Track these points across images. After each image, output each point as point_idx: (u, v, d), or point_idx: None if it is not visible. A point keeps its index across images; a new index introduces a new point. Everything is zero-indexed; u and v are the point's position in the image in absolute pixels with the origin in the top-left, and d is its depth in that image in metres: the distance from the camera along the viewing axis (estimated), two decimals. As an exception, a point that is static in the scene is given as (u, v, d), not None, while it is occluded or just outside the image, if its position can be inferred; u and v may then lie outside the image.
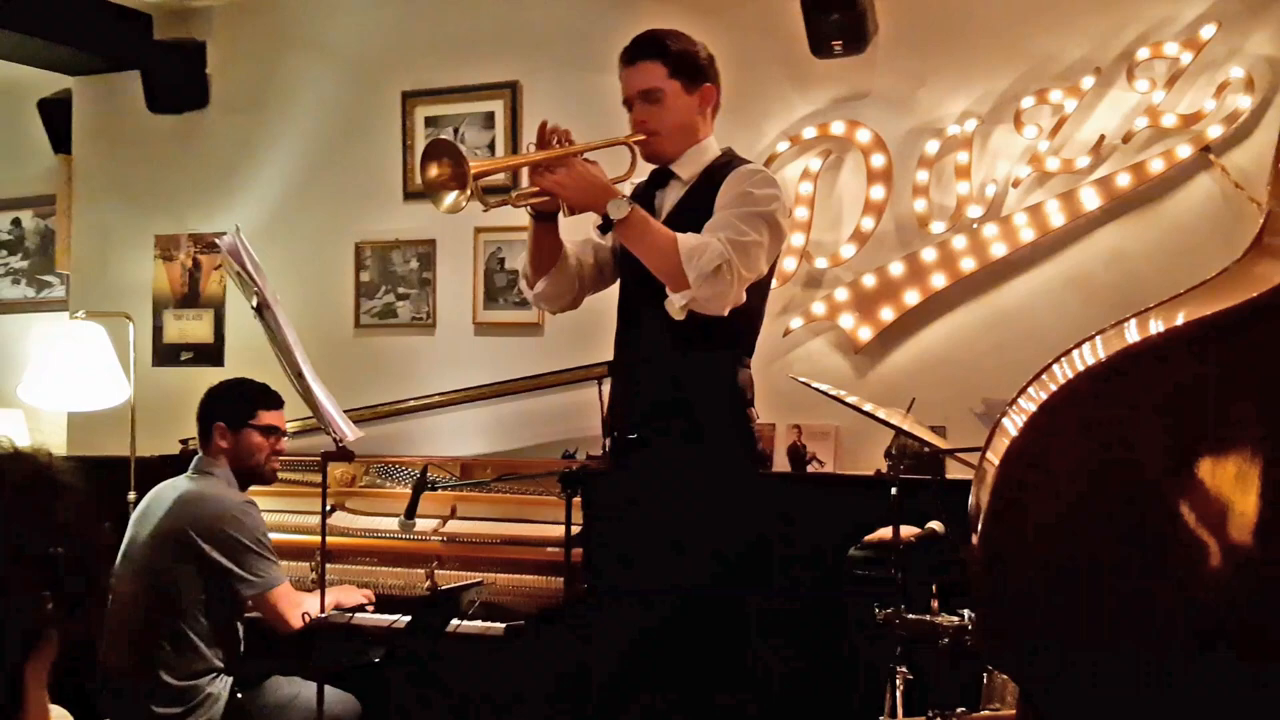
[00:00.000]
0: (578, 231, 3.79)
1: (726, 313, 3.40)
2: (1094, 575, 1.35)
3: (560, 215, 3.61)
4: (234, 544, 4.05)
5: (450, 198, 3.38)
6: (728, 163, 3.62)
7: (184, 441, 5.58)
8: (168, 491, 4.24)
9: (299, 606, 4.10)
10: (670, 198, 3.65)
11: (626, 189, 3.63)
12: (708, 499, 3.43)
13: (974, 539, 1.41)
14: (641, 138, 3.60)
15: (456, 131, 5.73)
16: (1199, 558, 1.32)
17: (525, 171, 3.67)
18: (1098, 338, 1.43)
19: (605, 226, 3.53)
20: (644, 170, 3.72)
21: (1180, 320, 1.40)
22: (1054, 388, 1.40)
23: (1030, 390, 1.43)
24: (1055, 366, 1.44)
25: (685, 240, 3.38)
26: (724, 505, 3.46)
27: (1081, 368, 1.40)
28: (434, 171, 3.39)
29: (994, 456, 1.43)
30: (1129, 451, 1.36)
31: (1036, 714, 1.44)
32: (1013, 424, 1.43)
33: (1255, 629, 1.30)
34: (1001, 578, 1.40)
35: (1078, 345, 1.44)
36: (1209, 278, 1.50)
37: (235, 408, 4.33)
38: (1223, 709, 1.31)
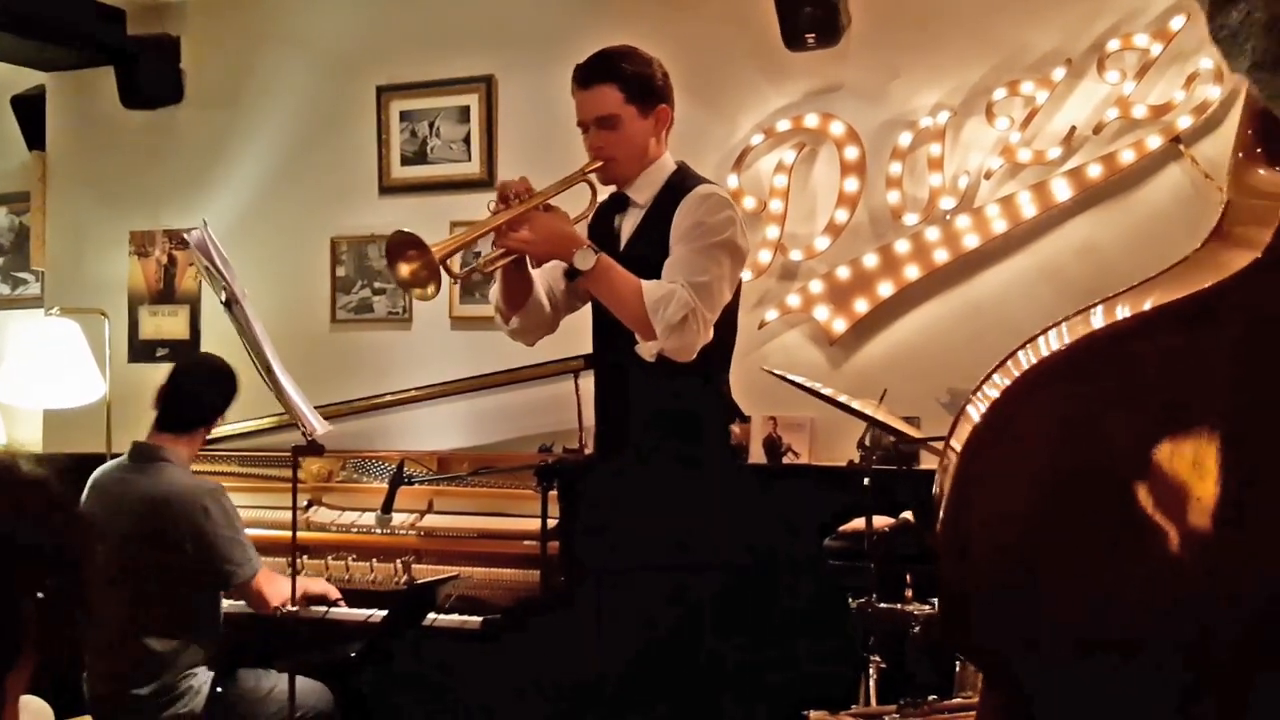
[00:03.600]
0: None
1: (695, 356, 3.42)
2: (1056, 561, 1.35)
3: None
4: (214, 537, 4.01)
5: (424, 287, 3.40)
6: (681, 181, 3.62)
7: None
8: (125, 488, 4.11)
9: (274, 585, 4.12)
10: (629, 223, 3.67)
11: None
12: (687, 503, 3.47)
13: (937, 526, 1.41)
14: (599, 165, 3.60)
15: (432, 125, 5.73)
16: (1160, 543, 1.33)
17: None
18: (1063, 324, 1.44)
19: (571, 274, 3.54)
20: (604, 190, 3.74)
21: (1145, 306, 1.41)
22: (1017, 374, 1.40)
23: (994, 377, 1.43)
24: (1020, 353, 1.44)
25: (650, 290, 3.40)
26: (703, 509, 3.49)
27: (1045, 353, 1.41)
28: (405, 270, 3.42)
29: (956, 444, 1.43)
30: (1091, 437, 1.36)
31: (999, 701, 1.44)
32: (976, 411, 1.43)
33: (1219, 614, 1.31)
34: (963, 564, 1.40)
35: (1043, 331, 1.44)
36: (1168, 267, 1.51)
37: (230, 401, 4.27)
38: (1188, 693, 1.32)
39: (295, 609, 3.96)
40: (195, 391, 4.24)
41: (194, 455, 4.29)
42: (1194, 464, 1.32)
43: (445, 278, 3.42)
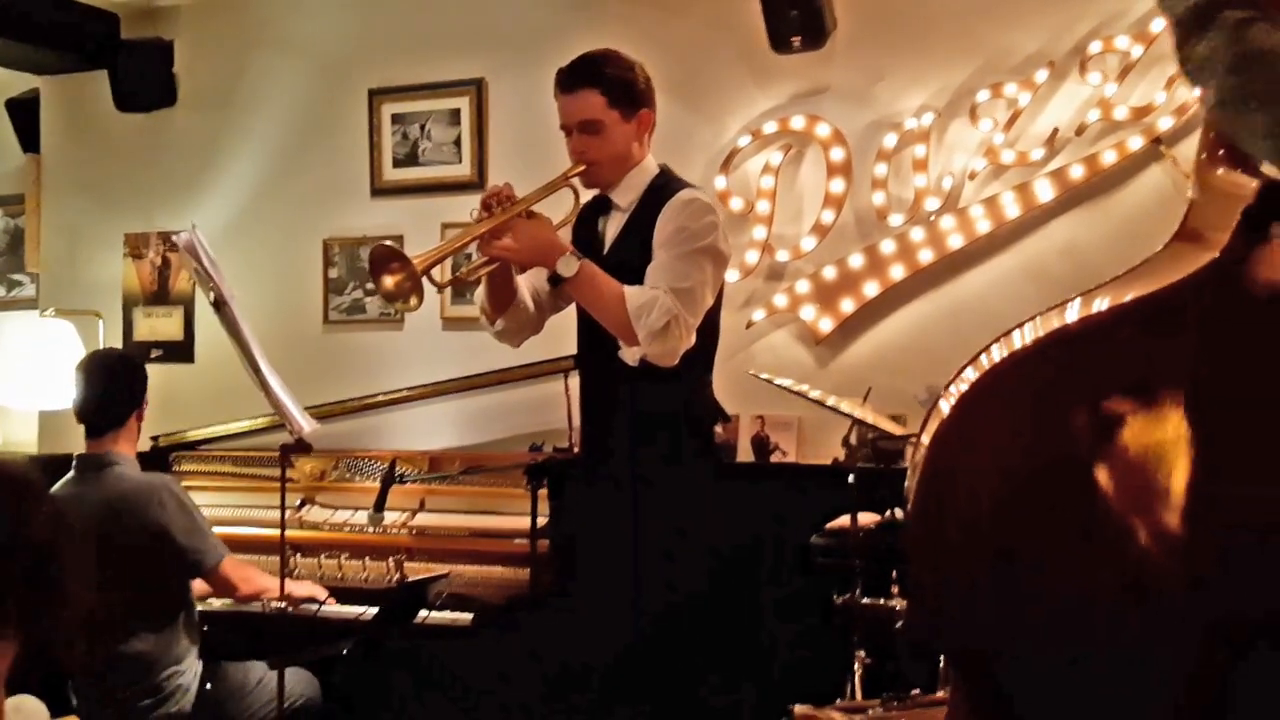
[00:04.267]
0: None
1: (678, 361, 3.47)
2: (1025, 556, 1.35)
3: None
4: (173, 529, 3.99)
5: (407, 300, 3.44)
6: (664, 185, 3.64)
7: (154, 439, 5.62)
8: (81, 501, 3.99)
9: (243, 571, 4.15)
10: (612, 227, 3.69)
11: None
12: (669, 503, 3.51)
13: (907, 520, 1.43)
14: (581, 169, 3.62)
15: (423, 128, 5.77)
16: (1128, 539, 1.34)
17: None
18: (1036, 319, 1.46)
19: (554, 281, 3.56)
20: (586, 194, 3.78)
21: (1114, 303, 1.43)
22: (987, 368, 1.42)
23: (966, 372, 1.45)
24: (994, 347, 1.45)
25: (633, 296, 3.43)
26: (685, 509, 3.53)
27: (1015, 349, 1.42)
28: (388, 282, 3.44)
29: (927, 439, 1.45)
30: (1058, 432, 1.37)
31: (969, 695, 1.46)
32: (947, 405, 1.44)
33: (1192, 609, 1.32)
34: (931, 558, 1.41)
35: (1016, 327, 1.46)
36: (1133, 267, 1.53)
37: (145, 384, 4.23)
38: (1153, 685, 1.33)
39: (285, 605, 3.98)
40: (109, 386, 4.18)
41: (135, 446, 4.24)
42: (1159, 458, 1.34)
43: (429, 288, 3.47)
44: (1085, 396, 1.36)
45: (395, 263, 3.43)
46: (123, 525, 3.99)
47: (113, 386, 4.18)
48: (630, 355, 3.44)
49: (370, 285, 5.81)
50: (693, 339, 3.48)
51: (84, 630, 3.89)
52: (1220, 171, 1.49)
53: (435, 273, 3.58)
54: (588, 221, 3.74)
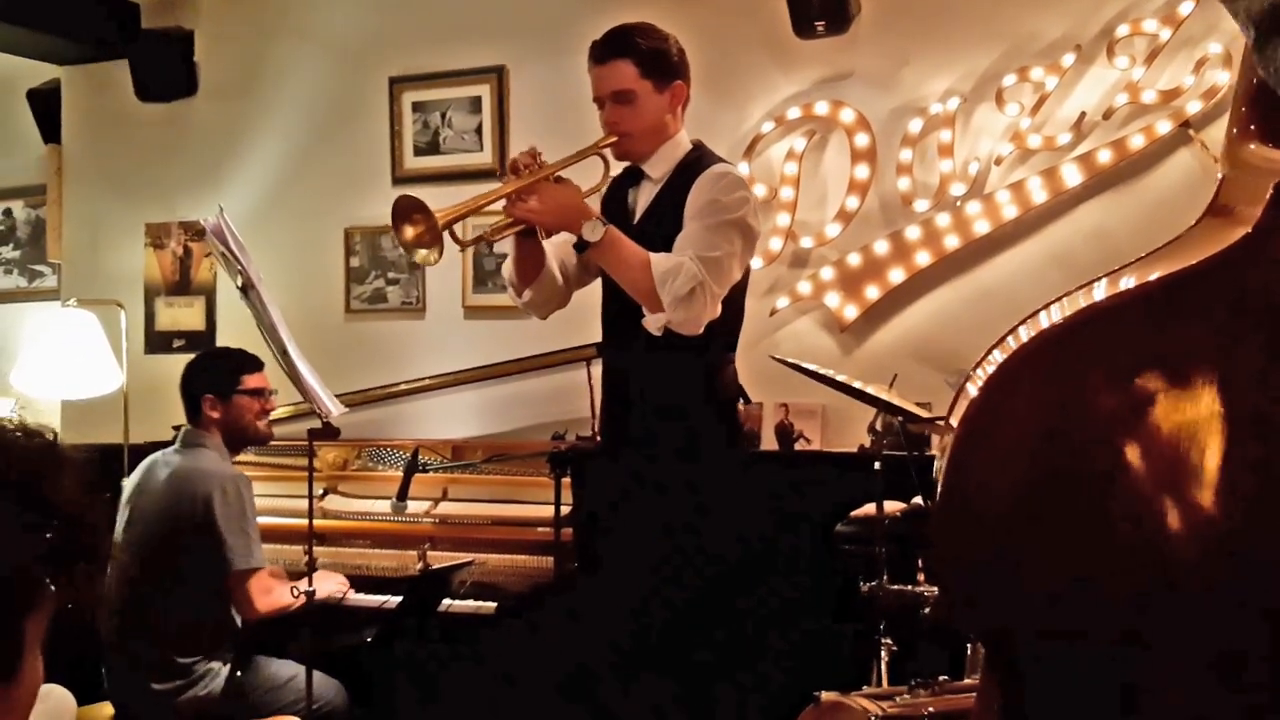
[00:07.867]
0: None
1: (702, 331, 3.44)
2: (1054, 537, 1.34)
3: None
4: (221, 517, 4.05)
5: (424, 252, 3.45)
6: (698, 159, 3.62)
7: (176, 428, 5.59)
8: (159, 469, 4.25)
9: (269, 595, 4.13)
10: (643, 198, 3.67)
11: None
12: (695, 494, 3.48)
13: (936, 502, 1.42)
14: (613, 140, 3.60)
15: (444, 116, 5.76)
16: (1157, 522, 1.32)
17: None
18: (1063, 299, 1.44)
19: (580, 247, 3.54)
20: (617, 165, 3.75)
21: (1142, 280, 1.41)
22: (1015, 348, 1.40)
23: (994, 353, 1.44)
24: (1021, 328, 1.44)
25: (659, 262, 3.41)
26: (712, 499, 3.50)
27: (1043, 328, 1.41)
28: (409, 233, 3.45)
29: (955, 420, 1.43)
30: (1085, 411, 1.36)
31: (999, 679, 1.44)
32: (974, 387, 1.43)
33: (1206, 590, 1.31)
34: (960, 539, 1.40)
35: (1044, 307, 1.45)
36: (1164, 243, 1.52)
37: (220, 377, 4.35)
38: (1179, 670, 1.32)
39: (311, 589, 3.97)
40: (184, 382, 4.41)
41: (222, 441, 4.34)
42: (1190, 437, 1.32)
43: (451, 244, 3.47)
44: (1115, 375, 1.35)
45: (418, 213, 3.43)
46: (180, 496, 4.13)
47: (187, 384, 4.41)
48: (654, 323, 3.42)
49: (392, 274, 5.83)
50: (718, 310, 3.45)
51: (125, 606, 3.96)
52: (1253, 146, 1.47)
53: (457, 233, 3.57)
54: (619, 192, 3.73)
